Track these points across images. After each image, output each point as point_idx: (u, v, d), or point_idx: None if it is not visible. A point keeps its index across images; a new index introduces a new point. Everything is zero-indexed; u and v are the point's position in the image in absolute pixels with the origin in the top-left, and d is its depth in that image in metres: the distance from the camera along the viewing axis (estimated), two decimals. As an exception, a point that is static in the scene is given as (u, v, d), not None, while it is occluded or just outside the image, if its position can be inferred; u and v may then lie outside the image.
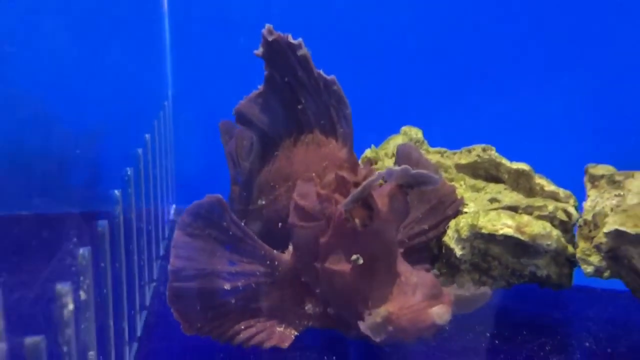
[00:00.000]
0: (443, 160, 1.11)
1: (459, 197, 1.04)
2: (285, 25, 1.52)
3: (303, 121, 0.91)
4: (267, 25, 0.90)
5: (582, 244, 0.99)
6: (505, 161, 1.09)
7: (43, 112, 1.32)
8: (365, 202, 0.77)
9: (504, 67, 1.44)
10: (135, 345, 0.88)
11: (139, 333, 0.90)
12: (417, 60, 1.47)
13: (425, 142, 1.15)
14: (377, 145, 1.20)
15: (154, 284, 1.09)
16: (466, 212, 1.02)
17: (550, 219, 1.01)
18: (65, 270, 0.54)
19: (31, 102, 1.27)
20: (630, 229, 0.87)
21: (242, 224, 0.82)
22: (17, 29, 1.29)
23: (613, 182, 1.04)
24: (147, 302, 1.01)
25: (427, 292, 0.75)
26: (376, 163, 1.13)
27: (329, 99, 0.88)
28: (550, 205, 1.02)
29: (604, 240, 0.91)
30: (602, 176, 1.06)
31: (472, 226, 0.97)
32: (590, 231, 0.99)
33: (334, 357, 0.87)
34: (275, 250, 0.85)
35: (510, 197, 1.05)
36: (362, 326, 0.75)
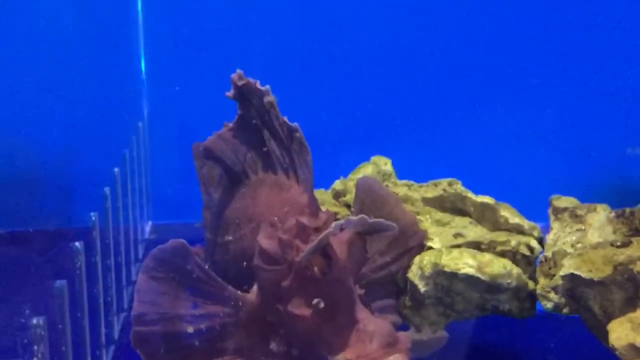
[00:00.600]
0: (410, 192, 1.13)
1: (421, 229, 1.05)
2: (259, 49, 1.54)
3: (268, 163, 0.93)
4: (238, 71, 0.93)
5: (542, 281, 1.01)
6: (470, 195, 1.11)
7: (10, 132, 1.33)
8: (324, 251, 0.79)
9: (474, 96, 1.46)
10: (101, 384, 0.89)
11: (107, 370, 0.92)
12: (390, 87, 1.49)
13: (394, 173, 1.17)
14: (347, 172, 1.22)
15: (124, 313, 1.11)
16: (430, 247, 1.04)
17: (513, 253, 1.04)
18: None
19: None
20: (584, 274, 0.89)
21: (207, 266, 0.84)
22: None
23: (575, 216, 1.07)
24: (116, 335, 1.03)
25: (383, 341, 0.77)
26: (344, 195, 1.14)
27: (292, 145, 0.89)
28: (513, 240, 1.04)
29: (560, 282, 0.93)
30: (565, 209, 1.08)
31: (435, 264, 0.99)
32: (550, 268, 1.01)
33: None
34: (239, 291, 0.86)
35: (475, 232, 1.07)
36: None
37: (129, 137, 1.30)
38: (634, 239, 0.94)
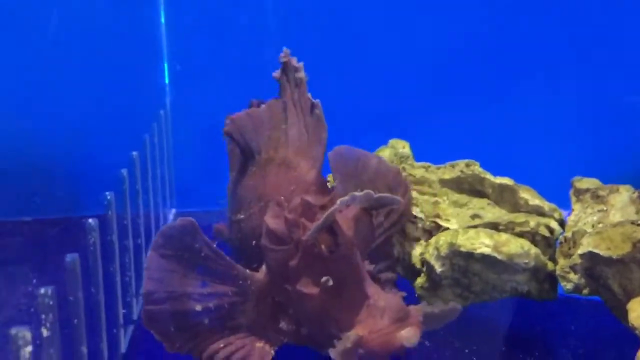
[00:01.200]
0: (427, 174, 1.12)
1: (404, 178, 1.03)
2: (278, 33, 1.54)
3: (282, 141, 0.93)
4: (285, 49, 0.98)
5: (561, 261, 0.99)
6: (489, 176, 1.09)
7: (28, 120, 1.36)
8: (331, 229, 0.78)
9: (494, 80, 1.44)
10: (118, 362, 0.91)
11: (123, 350, 0.93)
12: (408, 72, 1.48)
13: (412, 156, 1.16)
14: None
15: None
16: (447, 228, 1.03)
17: (532, 235, 1.02)
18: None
19: (16, 108, 1.30)
20: (603, 252, 0.87)
21: (215, 245, 0.84)
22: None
23: (597, 197, 1.05)
24: (135, 315, 1.04)
25: (395, 316, 0.77)
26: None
27: (310, 122, 0.90)
28: (532, 222, 1.03)
29: (578, 261, 0.92)
30: (587, 190, 1.06)
31: (451, 244, 0.98)
32: (569, 249, 0.99)
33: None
34: (248, 270, 0.87)
35: (493, 213, 1.06)
36: (333, 353, 0.76)
37: (150, 123, 1.31)
38: (655, 217, 0.92)
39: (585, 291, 0.98)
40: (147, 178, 1.21)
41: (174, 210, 1.65)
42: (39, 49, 1.40)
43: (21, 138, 1.40)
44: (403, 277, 1.09)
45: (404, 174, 1.07)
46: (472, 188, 1.11)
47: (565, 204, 1.08)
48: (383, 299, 0.79)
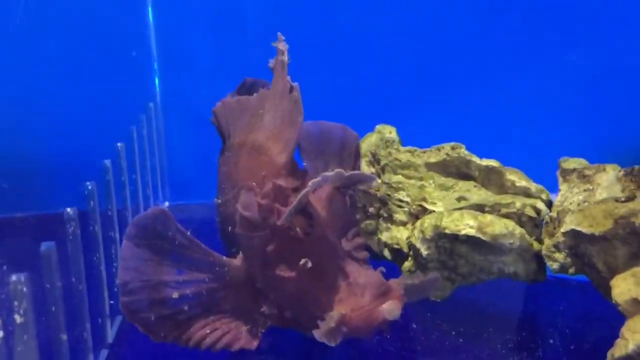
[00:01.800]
0: (413, 158, 1.12)
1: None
2: (267, 23, 1.54)
3: (256, 126, 0.93)
4: (279, 35, 0.97)
5: (547, 241, 0.99)
6: (475, 158, 1.09)
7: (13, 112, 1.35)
8: (305, 210, 0.78)
9: (480, 63, 1.44)
10: (104, 352, 0.91)
11: (109, 340, 0.93)
12: (393, 58, 1.47)
13: (398, 140, 1.16)
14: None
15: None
16: (433, 211, 1.03)
17: (518, 216, 1.02)
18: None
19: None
20: (585, 229, 0.87)
21: (189, 233, 0.84)
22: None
23: (583, 177, 1.04)
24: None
25: (376, 292, 0.77)
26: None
27: (287, 105, 0.90)
28: (518, 202, 1.02)
29: (561, 239, 0.92)
30: (574, 170, 1.06)
31: (436, 227, 0.98)
32: (554, 228, 0.99)
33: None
34: (224, 257, 0.87)
35: (479, 195, 1.06)
36: (317, 334, 0.76)
37: (137, 115, 1.31)
38: (638, 193, 0.92)
39: (571, 270, 0.98)
40: (135, 170, 1.21)
41: (167, 203, 1.65)
42: (21, 41, 1.40)
43: (3, 133, 1.40)
44: (391, 262, 1.09)
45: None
46: (458, 171, 1.11)
47: (554, 188, 1.08)
48: (363, 276, 0.79)
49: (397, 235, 1.07)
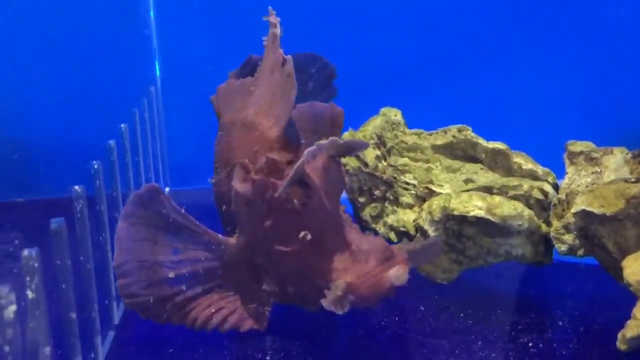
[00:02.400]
0: (420, 141, 1.11)
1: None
2: (267, 6, 1.52)
3: (247, 103, 0.92)
4: (270, 8, 0.97)
5: (555, 223, 0.99)
6: (481, 141, 1.08)
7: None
8: (301, 181, 0.77)
9: (486, 45, 1.43)
10: (111, 334, 0.90)
11: (116, 321, 0.92)
12: (400, 40, 1.46)
13: (403, 123, 1.15)
14: (357, 125, 1.20)
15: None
16: (440, 194, 1.03)
17: (526, 198, 1.02)
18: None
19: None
20: (596, 209, 0.87)
21: (183, 210, 0.83)
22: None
23: (591, 159, 1.04)
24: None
25: (380, 257, 0.77)
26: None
27: (279, 79, 0.89)
28: (526, 185, 1.02)
29: (572, 220, 0.91)
30: (581, 153, 1.05)
31: (444, 208, 0.97)
32: (563, 210, 0.99)
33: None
34: (220, 235, 0.86)
35: (486, 177, 1.05)
36: (325, 303, 0.75)
37: (139, 98, 1.30)
38: (648, 175, 0.91)
39: (580, 252, 0.97)
40: (137, 152, 1.20)
41: (167, 189, 1.64)
42: (28, 24, 1.38)
43: (6, 120, 1.39)
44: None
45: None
46: (464, 153, 1.10)
47: (558, 172, 1.07)
48: (366, 242, 0.78)
49: (404, 218, 1.07)
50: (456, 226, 0.99)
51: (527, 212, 0.97)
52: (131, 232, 0.80)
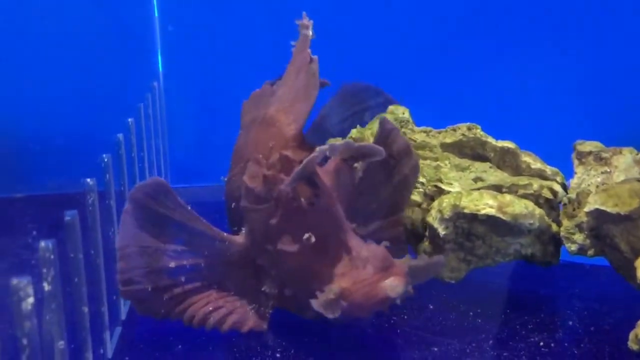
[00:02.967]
0: (428, 139, 1.10)
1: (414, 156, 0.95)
2: (271, 4, 1.52)
3: (271, 101, 0.92)
4: (304, 14, 0.98)
5: (566, 222, 0.98)
6: (490, 139, 1.08)
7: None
8: (310, 180, 0.76)
9: (495, 43, 1.43)
10: (118, 330, 0.89)
11: (123, 317, 0.91)
12: (407, 36, 1.46)
13: (411, 121, 1.14)
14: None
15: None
16: (450, 192, 1.02)
17: (535, 197, 1.01)
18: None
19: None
20: (610, 209, 0.86)
21: (189, 207, 0.82)
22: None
23: (600, 159, 1.04)
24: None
25: (379, 265, 0.75)
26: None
27: (303, 79, 0.88)
28: (535, 184, 1.02)
29: (585, 219, 0.91)
30: (590, 153, 1.05)
31: (455, 206, 0.97)
32: (574, 209, 0.98)
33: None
34: (225, 233, 0.85)
35: (495, 176, 1.05)
36: (315, 304, 0.73)
37: (144, 93, 1.29)
38: (661, 175, 0.91)
39: (591, 252, 0.97)
40: (142, 148, 1.18)
41: (169, 186, 1.63)
42: (36, 20, 1.37)
43: (10, 115, 1.38)
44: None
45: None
46: (473, 152, 1.09)
47: (564, 171, 1.07)
48: (366, 250, 0.76)
49: (412, 216, 1.06)
50: (466, 224, 0.98)
51: (538, 211, 0.96)
52: (135, 221, 0.79)
